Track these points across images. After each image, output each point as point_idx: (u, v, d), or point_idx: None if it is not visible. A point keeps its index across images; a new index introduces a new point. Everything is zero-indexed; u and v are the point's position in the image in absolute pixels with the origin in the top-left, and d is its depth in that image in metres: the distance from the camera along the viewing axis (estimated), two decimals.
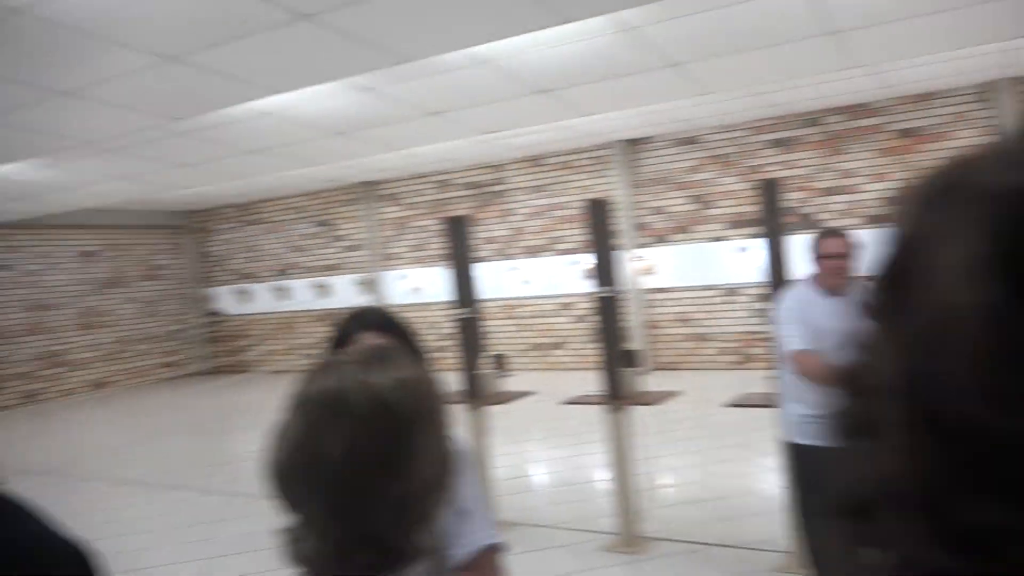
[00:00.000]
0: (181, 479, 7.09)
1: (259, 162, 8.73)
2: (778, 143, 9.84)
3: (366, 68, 4.95)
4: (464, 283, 5.23)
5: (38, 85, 5.03)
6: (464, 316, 5.23)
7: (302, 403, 1.03)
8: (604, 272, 4.71)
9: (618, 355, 4.75)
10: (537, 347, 11.75)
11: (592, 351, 11.21)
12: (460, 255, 5.23)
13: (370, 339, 1.71)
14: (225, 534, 5.41)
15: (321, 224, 13.74)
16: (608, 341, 4.73)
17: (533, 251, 11.66)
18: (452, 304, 5.23)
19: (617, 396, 4.69)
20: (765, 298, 4.21)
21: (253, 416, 10.59)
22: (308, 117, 6.78)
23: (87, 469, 7.78)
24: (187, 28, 4.27)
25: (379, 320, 1.81)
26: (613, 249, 4.81)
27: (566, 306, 11.48)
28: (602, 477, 5.84)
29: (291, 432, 1.01)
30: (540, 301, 11.67)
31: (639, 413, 4.92)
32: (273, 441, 1.04)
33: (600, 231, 4.72)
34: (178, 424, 10.36)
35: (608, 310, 4.73)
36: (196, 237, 15.24)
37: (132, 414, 11.37)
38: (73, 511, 6.04)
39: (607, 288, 4.71)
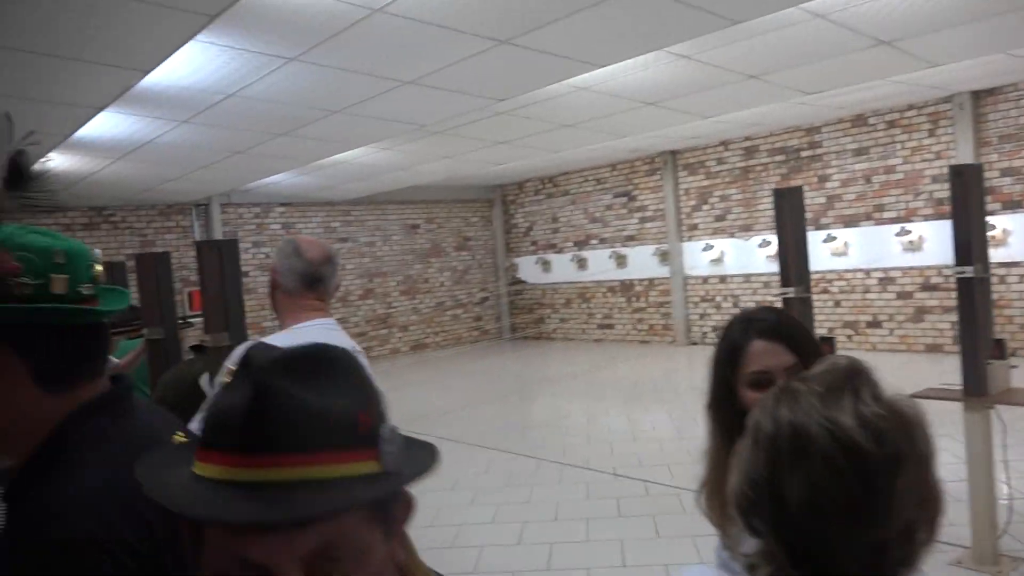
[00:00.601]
0: (493, 440, 7.52)
1: (569, 136, 8.91)
2: None
3: (695, 33, 4.72)
4: (793, 259, 4.83)
5: (386, 76, 5.50)
6: (791, 296, 4.85)
7: (759, 437, 0.95)
8: (969, 249, 4.08)
9: (985, 345, 4.11)
10: (849, 324, 10.77)
11: (918, 332, 10.05)
12: (791, 229, 4.83)
13: (761, 347, 1.58)
14: (538, 498, 5.61)
15: (621, 195, 13.79)
16: (971, 328, 4.11)
17: (850, 220, 10.64)
18: (776, 280, 4.88)
19: (981, 392, 4.08)
20: None
21: (552, 384, 11.01)
22: (621, 89, 6.72)
23: (410, 424, 8.55)
24: (519, 10, 4.36)
25: (772, 326, 1.62)
26: (981, 224, 4.14)
27: (887, 281, 10.36)
28: (954, 481, 5.14)
29: (748, 467, 0.95)
30: (856, 275, 10.65)
31: (1006, 412, 4.22)
32: (732, 468, 0.99)
33: (967, 202, 4.08)
34: (485, 386, 11.08)
35: (972, 293, 4.11)
36: (503, 209, 16.15)
37: (445, 375, 12.38)
38: None
39: (972, 267, 4.08)
